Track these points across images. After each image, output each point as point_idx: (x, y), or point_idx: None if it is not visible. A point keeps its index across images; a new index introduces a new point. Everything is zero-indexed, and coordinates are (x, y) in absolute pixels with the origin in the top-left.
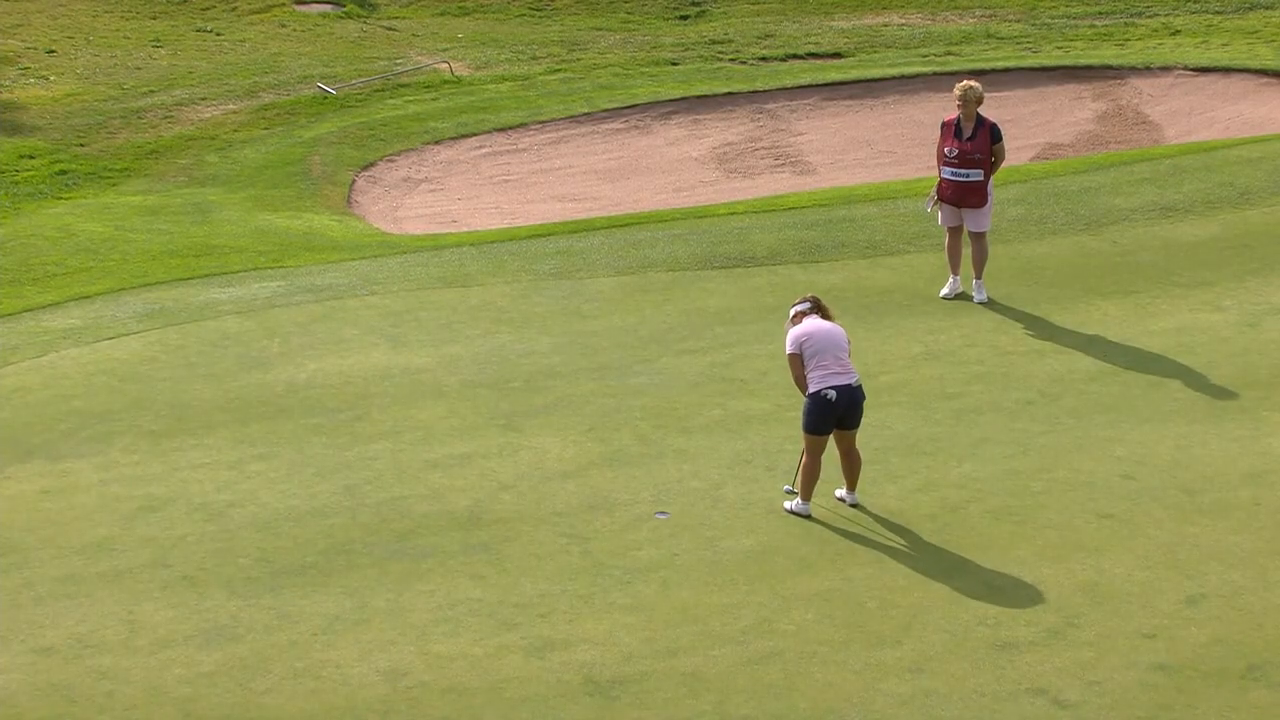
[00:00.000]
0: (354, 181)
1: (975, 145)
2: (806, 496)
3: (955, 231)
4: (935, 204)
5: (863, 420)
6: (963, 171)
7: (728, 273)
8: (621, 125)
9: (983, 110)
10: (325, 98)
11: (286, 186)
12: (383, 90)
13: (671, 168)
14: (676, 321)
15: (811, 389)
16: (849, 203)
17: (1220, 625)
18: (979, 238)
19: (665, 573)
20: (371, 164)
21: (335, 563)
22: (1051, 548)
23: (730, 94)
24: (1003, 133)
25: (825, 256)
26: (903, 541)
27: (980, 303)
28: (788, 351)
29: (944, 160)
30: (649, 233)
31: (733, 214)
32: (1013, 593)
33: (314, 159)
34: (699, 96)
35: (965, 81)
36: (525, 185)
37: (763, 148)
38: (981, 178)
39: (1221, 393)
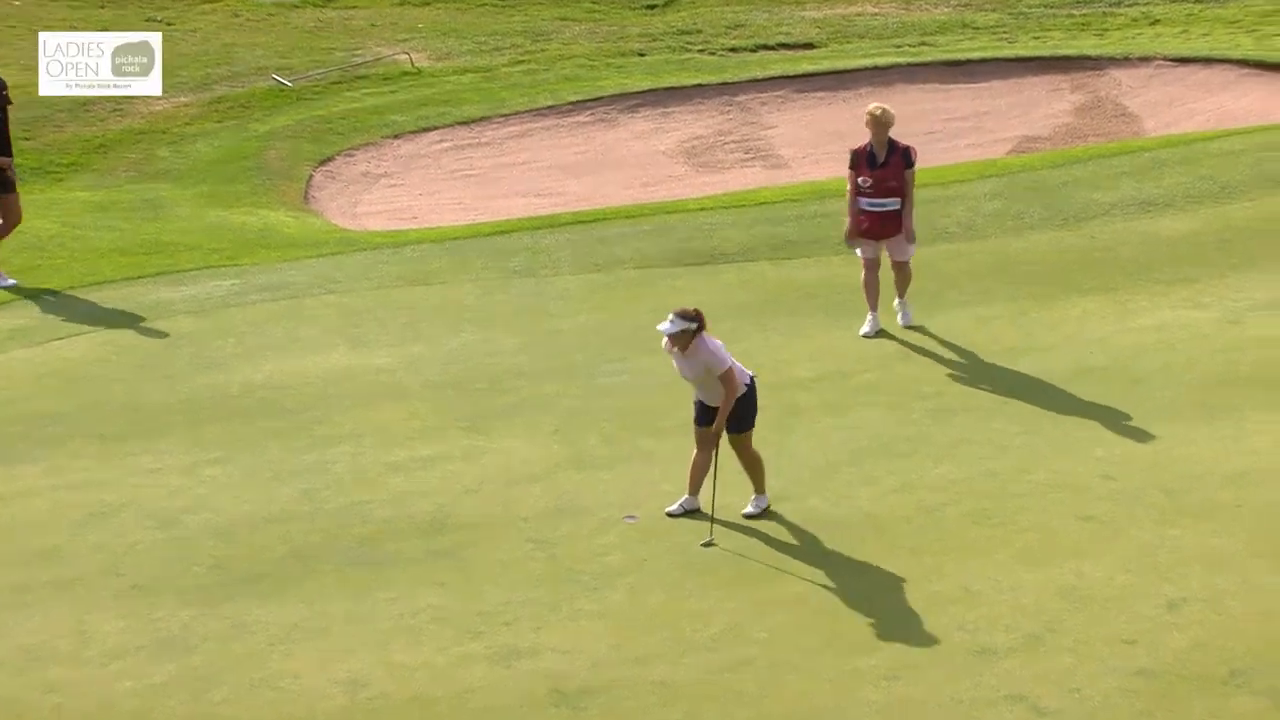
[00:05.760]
0: (311, 177)
1: (890, 172)
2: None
3: (873, 265)
4: (856, 240)
5: (839, 420)
6: (879, 201)
7: (697, 270)
8: (587, 118)
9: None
10: (281, 90)
11: (241, 182)
12: (340, 82)
13: (639, 162)
14: (645, 320)
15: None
16: (821, 197)
17: (1202, 630)
18: (902, 266)
19: (634, 578)
20: (329, 158)
21: (293, 570)
22: (1030, 551)
23: (699, 86)
24: (915, 159)
25: (798, 253)
26: (877, 546)
27: (907, 325)
28: (728, 364)
29: (858, 191)
30: (616, 229)
31: (702, 209)
32: (991, 597)
33: (269, 153)
34: (667, 88)
35: (875, 105)
36: (488, 180)
37: (733, 141)
38: (899, 206)
39: (1203, 391)
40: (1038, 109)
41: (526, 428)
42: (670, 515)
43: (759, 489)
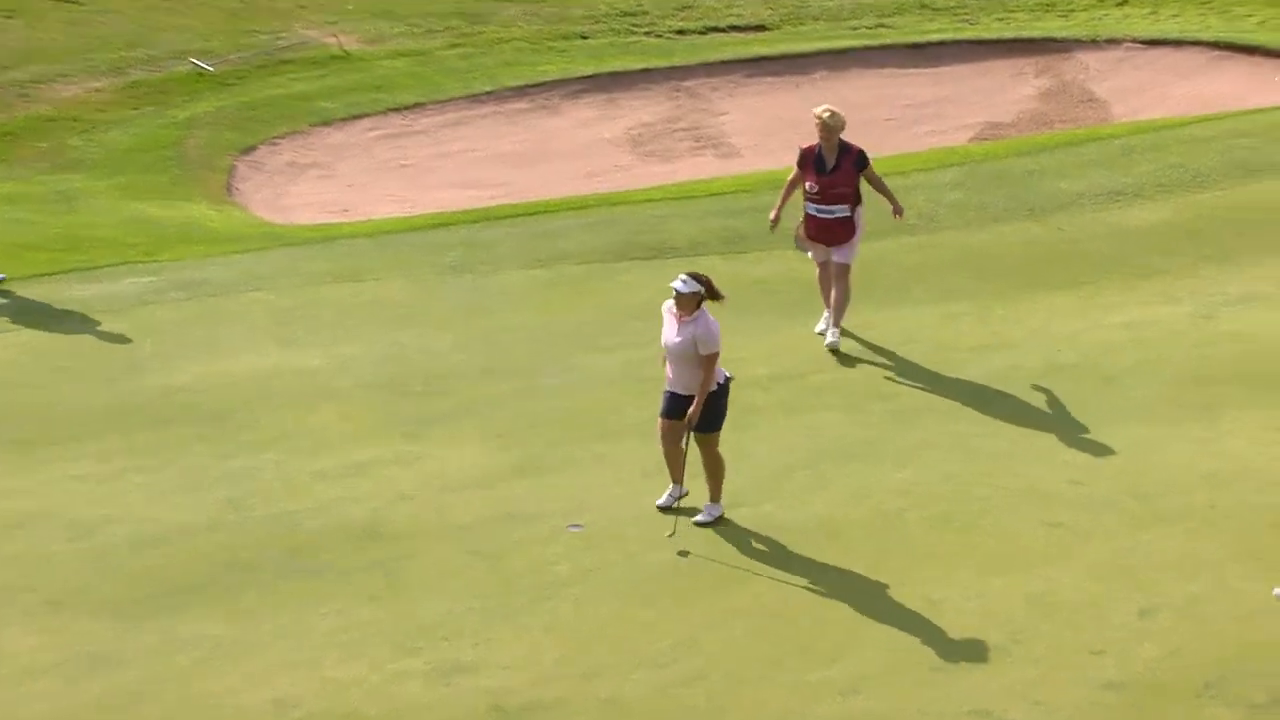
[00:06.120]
0: (234, 167)
1: (838, 179)
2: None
3: (827, 266)
4: (805, 242)
5: (795, 422)
6: (826, 208)
7: (645, 264)
8: (528, 105)
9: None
10: (201, 75)
11: (159, 173)
12: (265, 67)
13: (583, 151)
14: (591, 317)
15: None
16: (776, 187)
17: (1175, 638)
18: (842, 272)
19: (580, 589)
20: (253, 148)
21: (219, 583)
22: (996, 559)
23: (646, 70)
24: (870, 157)
25: (751, 246)
26: (836, 553)
27: (832, 347)
28: (718, 349)
29: (806, 195)
30: (560, 222)
31: (650, 201)
32: (955, 606)
33: (189, 142)
34: (611, 74)
35: (824, 107)
36: (424, 171)
37: (681, 129)
38: (848, 213)
39: (1177, 389)
40: (1001, 94)
41: (465, 431)
42: (662, 509)
43: (714, 496)
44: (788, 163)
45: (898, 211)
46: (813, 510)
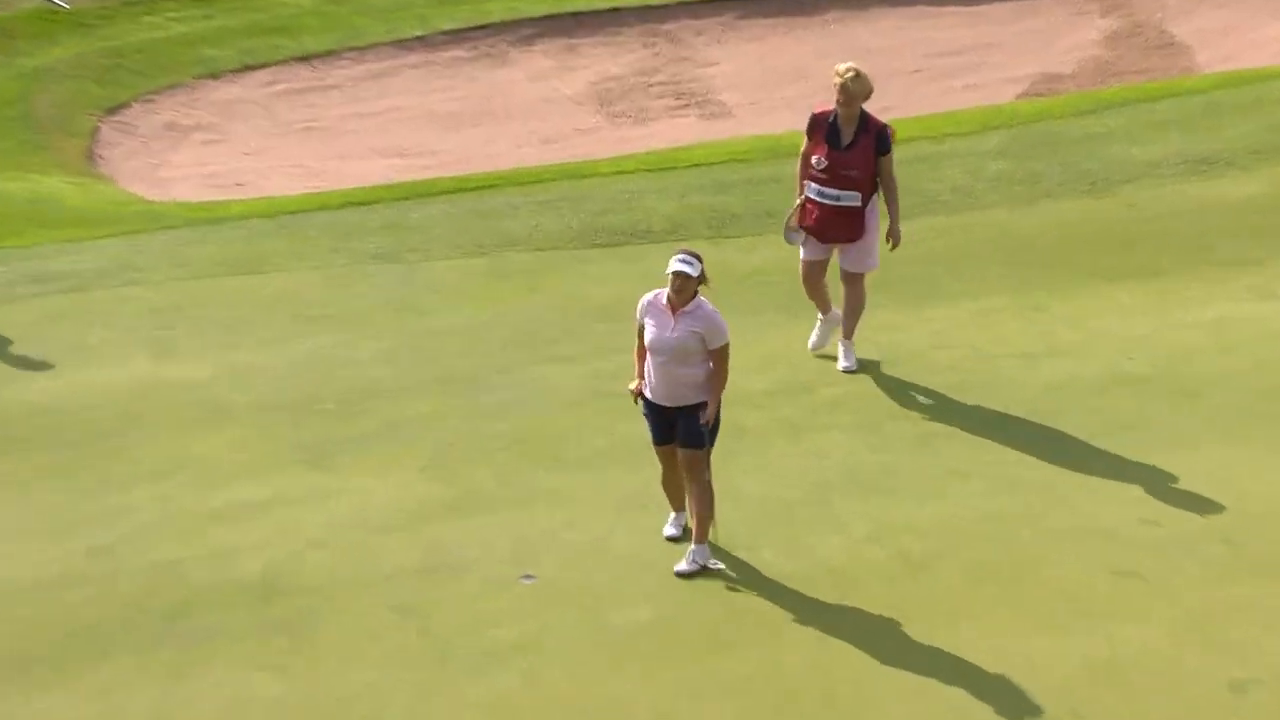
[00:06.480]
0: (97, 130)
1: (853, 158)
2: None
3: (817, 267)
4: (798, 234)
5: (797, 447)
6: (832, 192)
7: (614, 252)
8: (468, 53)
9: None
10: (54, 13)
11: (3, 137)
12: (135, 4)
13: (537, 111)
14: (547, 318)
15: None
16: (775, 156)
17: (1275, 717)
18: (855, 281)
19: (533, 657)
20: (122, 106)
21: (80, 652)
22: (1048, 616)
23: (614, 10)
24: (893, 142)
25: (745, 230)
26: (849, 609)
27: (847, 370)
28: (726, 340)
29: (811, 173)
30: (507, 199)
31: (620, 173)
32: (996, 675)
33: (40, 99)
34: (573, 13)
35: (848, 66)
36: (338, 135)
37: (660, 83)
38: (858, 202)
39: (1272, 405)
40: (1057, 39)
41: (390, 460)
42: (670, 539)
43: (699, 537)
44: (792, 125)
45: (892, 236)
46: (819, 556)
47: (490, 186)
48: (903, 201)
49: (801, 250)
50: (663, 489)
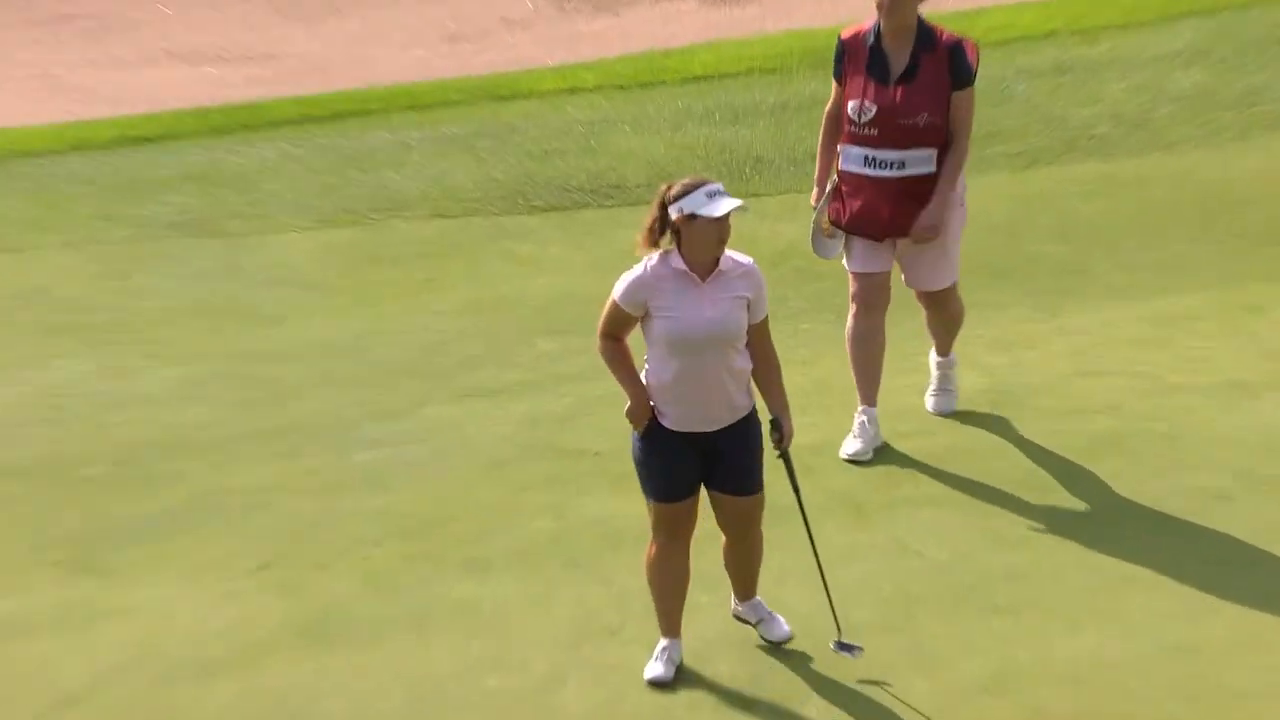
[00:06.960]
0: None
1: (915, 98)
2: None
3: (875, 294)
4: (836, 239)
5: (862, 535)
6: (889, 156)
7: (569, 218)
8: None
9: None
10: None
11: None
12: None
13: None
14: (456, 328)
15: None
16: (810, 65)
17: None
18: (939, 300)
19: None
20: None
21: None
22: None
23: None
24: (977, 65)
25: (774, 184)
26: None
27: (940, 412)
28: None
29: (847, 132)
30: (390, 133)
31: (573, 91)
32: None
33: None
34: None
35: None
36: (111, 32)
37: None
38: (933, 166)
39: None
40: None
41: (201, 561)
42: (654, 684)
43: (752, 591)
44: (834, 19)
45: (923, 227)
46: (903, 709)
47: (362, 113)
48: (1033, 139)
49: (846, 262)
50: (657, 586)
